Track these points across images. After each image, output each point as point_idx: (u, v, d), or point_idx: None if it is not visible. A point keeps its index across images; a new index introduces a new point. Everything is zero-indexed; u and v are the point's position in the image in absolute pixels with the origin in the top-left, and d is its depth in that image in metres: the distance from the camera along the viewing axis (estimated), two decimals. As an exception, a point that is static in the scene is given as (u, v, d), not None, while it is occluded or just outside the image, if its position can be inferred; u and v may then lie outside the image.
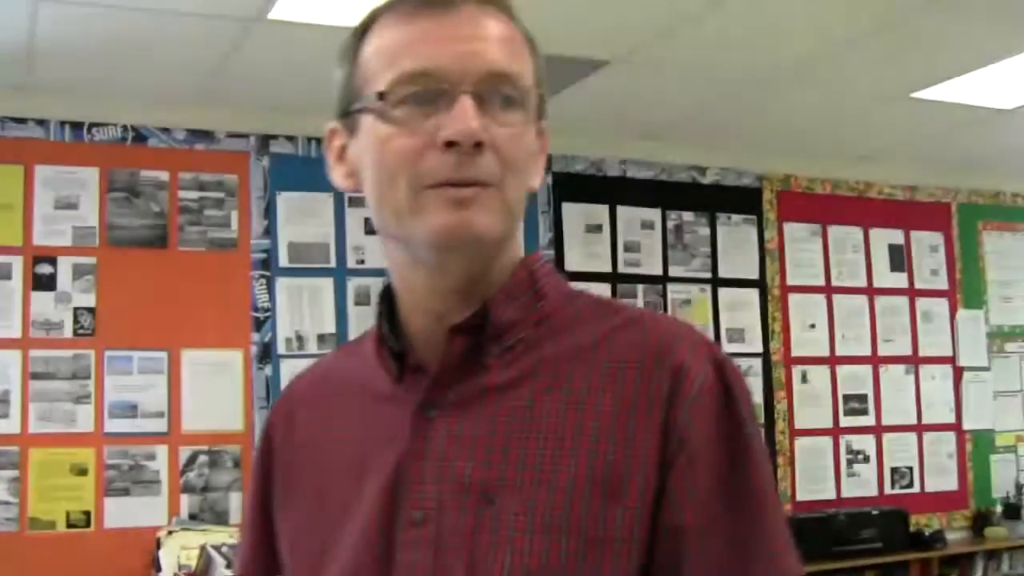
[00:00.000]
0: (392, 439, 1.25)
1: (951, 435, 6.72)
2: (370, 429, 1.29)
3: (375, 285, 5.21)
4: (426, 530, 1.18)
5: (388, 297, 1.31)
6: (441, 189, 1.17)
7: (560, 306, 1.29)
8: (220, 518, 4.86)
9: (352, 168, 1.28)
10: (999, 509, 6.69)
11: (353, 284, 5.20)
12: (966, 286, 6.89)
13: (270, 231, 5.10)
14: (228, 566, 3.28)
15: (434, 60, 1.18)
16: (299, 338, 5.08)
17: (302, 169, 5.13)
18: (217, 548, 4.17)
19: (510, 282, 1.27)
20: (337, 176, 1.31)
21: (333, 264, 5.19)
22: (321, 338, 5.11)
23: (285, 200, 5.12)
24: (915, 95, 5.38)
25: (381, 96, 1.19)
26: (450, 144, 1.16)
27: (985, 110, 5.68)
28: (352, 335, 5.08)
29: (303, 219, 5.15)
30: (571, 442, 1.18)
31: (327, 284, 5.17)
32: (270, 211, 5.09)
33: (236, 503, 4.89)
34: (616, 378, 1.21)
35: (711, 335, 5.96)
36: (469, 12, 1.22)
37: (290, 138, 5.13)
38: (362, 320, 5.16)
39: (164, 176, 4.97)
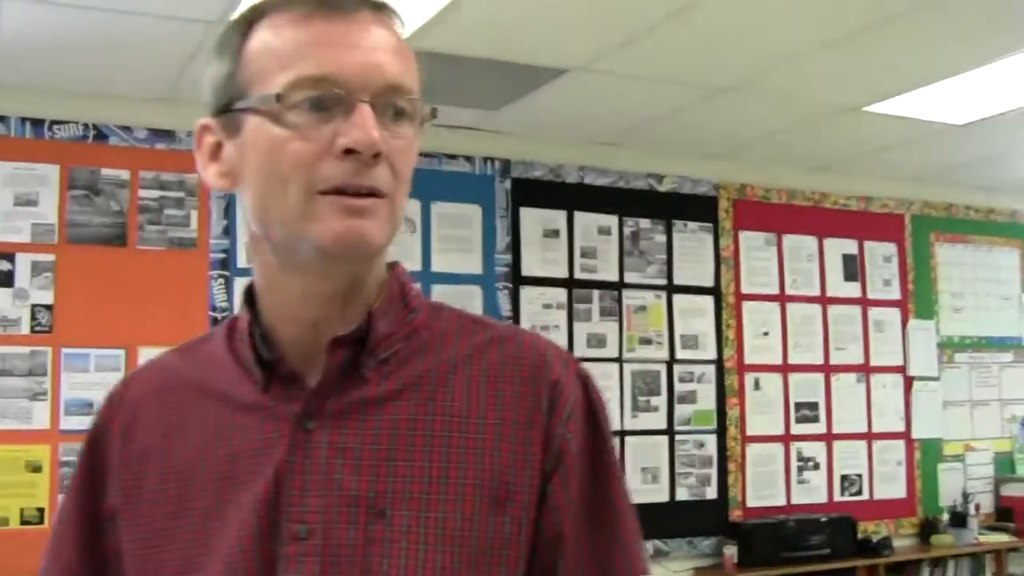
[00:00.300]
0: (264, 451, 1.21)
1: (900, 444, 6.81)
2: (234, 440, 1.23)
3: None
4: (311, 544, 1.16)
5: (251, 303, 1.27)
6: (335, 196, 1.16)
7: (428, 319, 1.30)
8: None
9: (230, 168, 1.24)
10: (946, 517, 6.78)
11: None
12: (918, 296, 6.99)
13: (229, 231, 5.10)
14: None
15: (334, 66, 1.16)
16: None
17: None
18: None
19: (387, 294, 1.27)
20: (210, 175, 1.26)
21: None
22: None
23: (244, 200, 5.13)
24: (869, 109, 5.45)
25: (277, 99, 1.16)
26: (348, 152, 1.15)
27: (937, 125, 5.76)
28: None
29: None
30: (457, 454, 1.20)
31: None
32: (230, 211, 5.09)
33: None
34: (496, 391, 1.24)
35: (666, 341, 6.04)
36: (366, 20, 1.21)
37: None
38: (320, 321, 5.18)
39: (125, 175, 4.97)
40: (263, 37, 1.20)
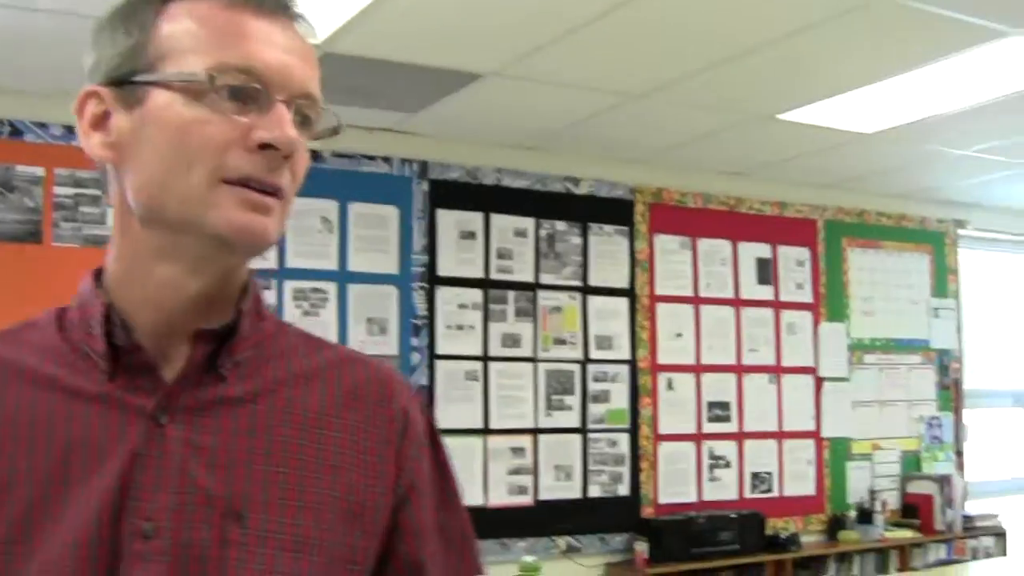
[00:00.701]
0: (107, 443, 1.15)
1: (810, 442, 6.97)
2: (71, 430, 1.16)
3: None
4: (158, 543, 1.12)
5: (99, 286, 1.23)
6: (240, 188, 1.14)
7: (275, 331, 1.30)
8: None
9: (118, 140, 1.19)
10: (853, 514, 6.95)
11: (228, 283, 5.24)
12: (829, 300, 7.15)
13: (145, 229, 5.11)
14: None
15: (259, 62, 1.16)
16: (171, 335, 5.12)
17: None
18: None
19: (252, 298, 1.27)
20: (92, 144, 1.21)
21: (208, 263, 5.22)
22: (194, 336, 5.15)
23: (160, 199, 5.14)
24: (782, 116, 5.57)
25: (210, 80, 1.14)
26: (263, 147, 1.15)
27: (849, 133, 5.90)
28: (225, 334, 5.15)
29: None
30: (314, 464, 1.20)
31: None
32: (141, 209, 5.11)
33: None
34: (350, 408, 1.26)
35: (580, 342, 6.14)
36: (286, 23, 1.21)
37: (169, 137, 5.15)
38: (236, 319, 5.22)
39: (39, 172, 4.96)
40: (181, 16, 1.18)
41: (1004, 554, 7.43)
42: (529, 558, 4.60)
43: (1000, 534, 7.48)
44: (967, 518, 7.33)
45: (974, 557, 7.17)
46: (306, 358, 1.28)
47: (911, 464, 7.43)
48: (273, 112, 1.16)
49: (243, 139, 1.15)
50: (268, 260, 5.33)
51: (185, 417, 1.17)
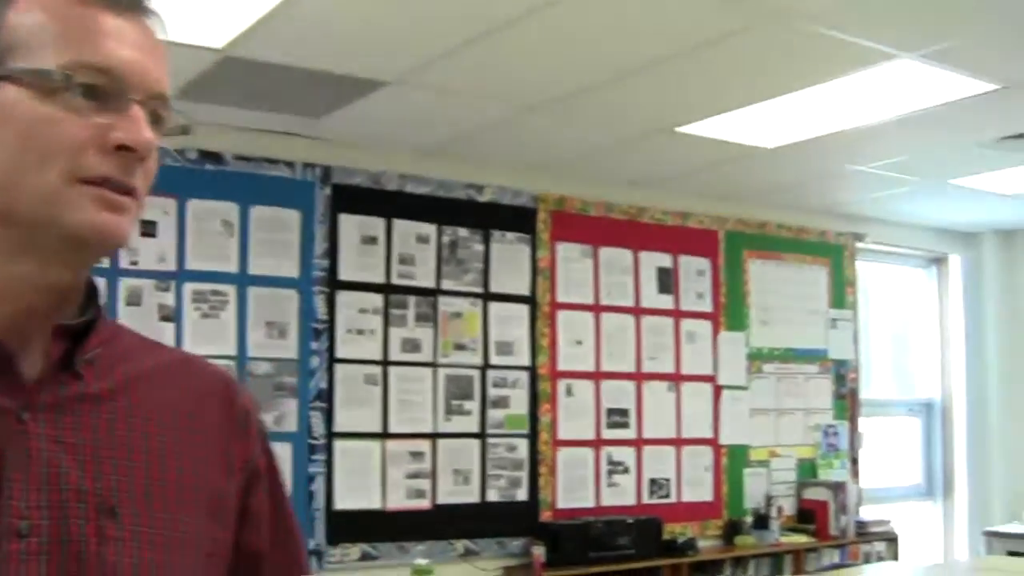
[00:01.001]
0: None
1: (708, 449, 7.09)
2: None
3: (146, 286, 5.28)
4: (35, 541, 1.09)
5: None
6: (98, 188, 1.12)
7: (115, 329, 1.28)
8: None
9: None
10: (750, 519, 7.09)
11: (125, 285, 5.22)
12: (729, 310, 7.28)
13: None
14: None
15: (116, 61, 1.14)
16: (68, 336, 5.09)
17: (79, 169, 5.13)
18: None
19: (99, 296, 1.26)
20: None
21: (106, 264, 5.20)
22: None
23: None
24: (681, 130, 5.67)
25: (66, 77, 1.11)
26: (121, 148, 1.13)
27: (748, 147, 6.01)
28: (123, 335, 5.13)
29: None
30: (174, 460, 1.21)
31: (98, 284, 5.16)
32: None
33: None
34: (201, 405, 1.28)
35: (481, 348, 6.19)
36: (140, 21, 1.19)
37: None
38: (131, 320, 5.15)
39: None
40: (31, 7, 1.13)
41: (896, 558, 7.61)
42: (422, 561, 4.65)
43: (892, 539, 7.67)
44: (861, 524, 7.51)
45: (867, 561, 7.34)
46: (150, 357, 1.29)
47: (807, 471, 7.59)
48: (130, 113, 1.14)
49: (99, 140, 1.12)
50: (167, 262, 5.33)
51: (48, 415, 1.14)
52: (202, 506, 1.22)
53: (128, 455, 1.18)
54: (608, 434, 6.67)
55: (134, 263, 5.26)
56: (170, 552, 1.17)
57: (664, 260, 6.99)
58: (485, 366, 6.21)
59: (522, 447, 6.31)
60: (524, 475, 6.30)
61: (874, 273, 8.47)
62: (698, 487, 7.02)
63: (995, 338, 8.77)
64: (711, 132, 5.71)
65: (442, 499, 6.02)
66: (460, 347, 6.13)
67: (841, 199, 7.46)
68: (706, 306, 7.15)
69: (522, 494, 6.29)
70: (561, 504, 6.44)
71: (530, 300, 6.42)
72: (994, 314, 8.79)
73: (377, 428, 5.85)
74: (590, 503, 6.55)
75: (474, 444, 6.15)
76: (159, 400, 1.24)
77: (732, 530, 7.06)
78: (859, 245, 8.04)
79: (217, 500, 1.25)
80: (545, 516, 6.35)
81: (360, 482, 5.78)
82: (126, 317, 5.20)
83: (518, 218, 6.41)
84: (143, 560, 1.14)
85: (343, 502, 5.72)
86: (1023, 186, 7.13)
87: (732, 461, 7.20)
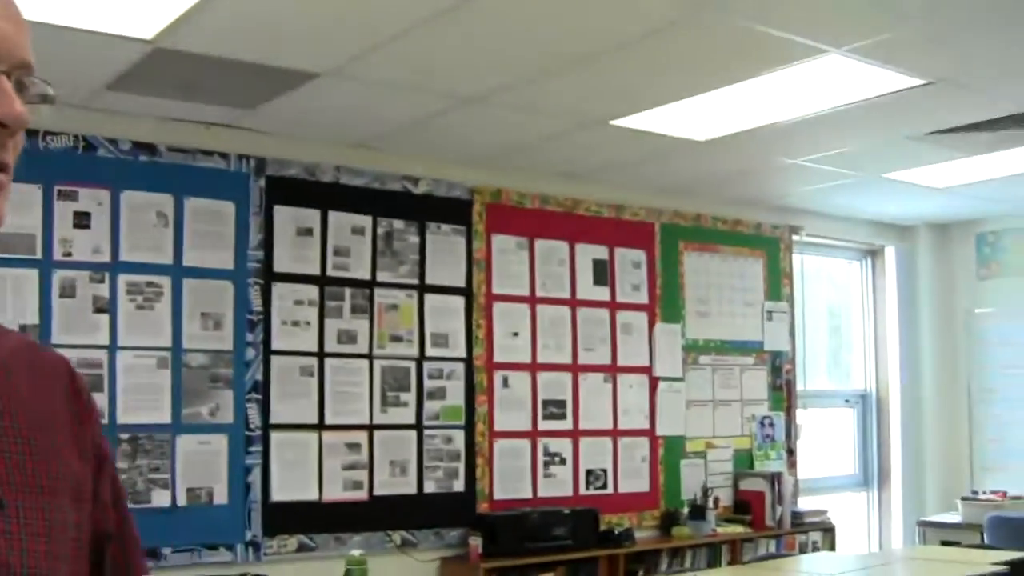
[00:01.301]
0: None
1: (645, 440, 7.15)
2: None
3: (80, 278, 5.25)
4: None
5: None
6: None
7: None
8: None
9: None
10: (686, 510, 7.15)
11: (59, 276, 5.20)
12: (665, 301, 7.34)
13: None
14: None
15: None
16: (0, 328, 5.06)
17: (10, 160, 5.10)
18: None
19: None
20: None
21: (39, 255, 5.19)
22: (23, 328, 5.07)
23: (-9, 190, 5.08)
24: (614, 123, 5.72)
25: None
26: None
27: (680, 140, 6.07)
28: (55, 326, 5.13)
29: (10, 209, 5.08)
30: (42, 447, 1.17)
31: (32, 275, 5.15)
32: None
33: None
34: (51, 390, 1.24)
35: (416, 339, 6.21)
36: None
37: (0, 128, 5.09)
38: (65, 312, 5.19)
39: None
40: None
41: (832, 548, 7.70)
42: (356, 552, 4.66)
43: (829, 529, 7.76)
44: (797, 514, 7.60)
45: (803, 551, 7.42)
46: (2, 342, 1.23)
47: (743, 462, 7.67)
48: None
49: None
50: (102, 253, 5.31)
51: None
52: (68, 492, 1.19)
53: (3, 445, 1.14)
54: (544, 425, 6.71)
55: (68, 255, 5.24)
56: (52, 541, 1.14)
57: (600, 252, 7.04)
58: (421, 357, 6.23)
59: (458, 438, 6.33)
60: (461, 466, 6.33)
61: (810, 265, 8.57)
62: (635, 478, 7.08)
63: (929, 330, 8.91)
64: (645, 125, 5.76)
65: (379, 490, 6.03)
66: (396, 339, 6.15)
67: (776, 192, 7.55)
68: (642, 298, 7.21)
69: (459, 485, 6.31)
70: (498, 495, 6.47)
71: (466, 292, 6.45)
72: (928, 306, 8.93)
73: (313, 420, 5.86)
74: (527, 494, 6.60)
75: (411, 435, 6.17)
76: (17, 388, 1.19)
77: (669, 521, 7.12)
78: (795, 238, 8.14)
79: (77, 485, 1.22)
80: (482, 507, 6.38)
81: (297, 474, 5.79)
82: (60, 309, 5.19)
83: (453, 210, 6.44)
84: (31, 551, 1.11)
85: (280, 494, 5.72)
86: (955, 180, 7.24)
87: (669, 452, 7.27)
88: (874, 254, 8.97)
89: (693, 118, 5.66)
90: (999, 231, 8.72)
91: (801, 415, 8.12)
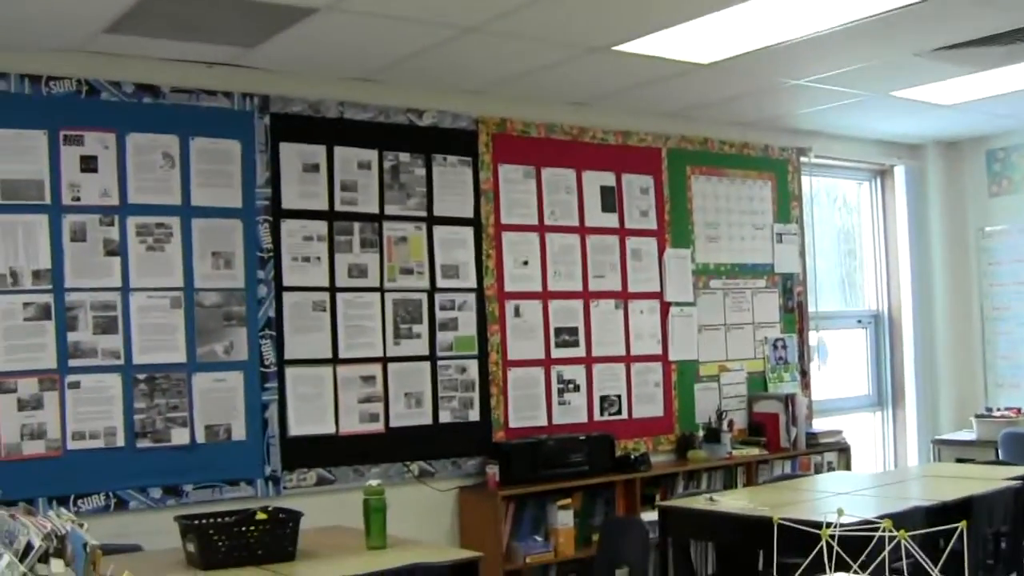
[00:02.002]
0: None
1: (658, 366, 7.19)
2: None
3: (90, 221, 5.28)
4: None
5: None
6: None
7: None
8: (-66, 452, 4.88)
9: None
10: (701, 434, 7.20)
11: (68, 221, 5.23)
12: (674, 226, 7.35)
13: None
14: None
15: None
16: (13, 274, 5.10)
17: (15, 106, 5.10)
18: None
19: None
20: None
21: (48, 201, 5.21)
22: (36, 274, 5.13)
23: (-3, 137, 5.11)
24: (618, 48, 5.69)
25: None
26: None
27: (684, 64, 6.05)
28: (68, 270, 5.18)
29: (16, 156, 5.12)
30: None
31: (42, 220, 5.18)
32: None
33: (-51, 437, 4.93)
34: None
35: (427, 271, 6.24)
36: None
37: (2, 75, 5.07)
38: (77, 256, 5.23)
39: None
40: None
41: (848, 468, 7.76)
42: (374, 482, 4.70)
43: (844, 449, 7.81)
44: (811, 435, 7.64)
45: (818, 472, 7.47)
46: None
47: (757, 385, 7.71)
48: None
49: None
50: (110, 196, 5.33)
51: None
52: None
53: None
54: (557, 353, 6.75)
55: (76, 199, 5.26)
56: None
57: (607, 179, 7.04)
58: (432, 289, 6.26)
59: (472, 368, 6.38)
60: (475, 396, 6.38)
61: (819, 186, 8.55)
62: (649, 403, 7.13)
63: (940, 248, 8.91)
64: (649, 49, 5.73)
65: (395, 422, 6.09)
66: (407, 271, 6.17)
67: (783, 113, 7.52)
68: (651, 223, 7.22)
69: (474, 415, 6.37)
70: (513, 423, 6.52)
71: (474, 222, 6.45)
72: (938, 224, 8.92)
73: (327, 354, 5.90)
74: (542, 422, 6.65)
75: (425, 367, 6.21)
76: None
77: (684, 444, 7.18)
78: (803, 159, 8.11)
79: None
80: (498, 436, 6.44)
81: (313, 408, 5.84)
82: (71, 254, 5.23)
83: (459, 141, 6.44)
84: None
85: (297, 428, 5.78)
86: (963, 96, 7.21)
87: (682, 377, 7.31)
88: (883, 174, 8.94)
89: (697, 41, 5.63)
90: (1008, 147, 8.68)
91: (823, 337, 8.14)
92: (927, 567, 2.87)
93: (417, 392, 6.17)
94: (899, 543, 2.54)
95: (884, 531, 2.85)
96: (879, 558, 2.80)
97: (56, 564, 2.65)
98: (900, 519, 2.82)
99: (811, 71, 6.38)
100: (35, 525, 2.75)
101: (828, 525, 2.66)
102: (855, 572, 2.98)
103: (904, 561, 3.01)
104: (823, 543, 2.83)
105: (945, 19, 5.42)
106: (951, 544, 2.49)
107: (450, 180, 6.37)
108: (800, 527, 2.82)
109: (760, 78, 6.50)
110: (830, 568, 2.92)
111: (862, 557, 2.74)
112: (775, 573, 3.20)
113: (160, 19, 4.92)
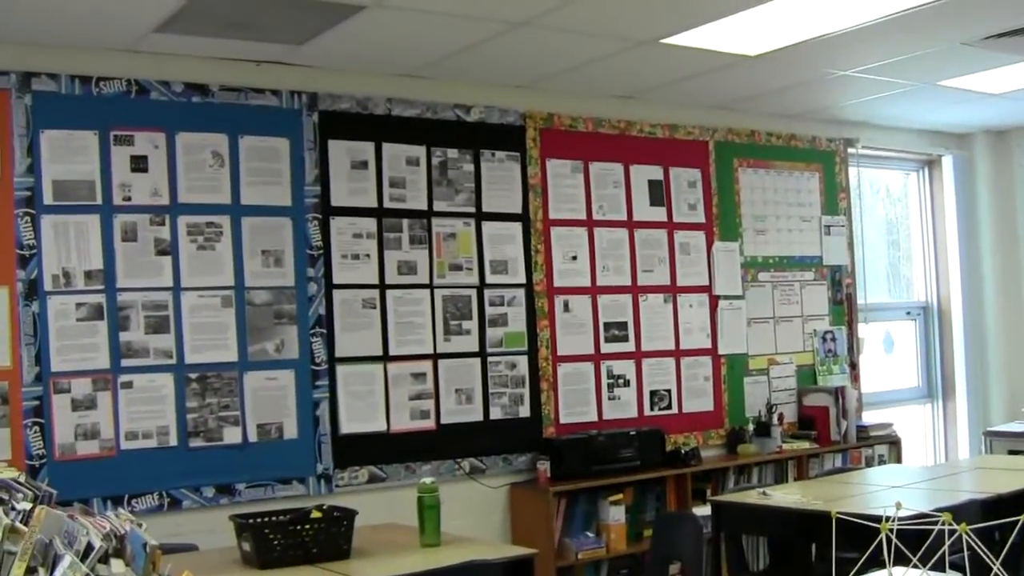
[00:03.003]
0: None
1: (707, 360, 7.15)
2: None
3: (141, 221, 5.30)
4: None
5: None
6: None
7: None
8: (-12, 453, 4.91)
9: None
10: (751, 428, 7.16)
11: (120, 221, 5.25)
12: (722, 220, 7.30)
13: (34, 169, 5.09)
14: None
15: None
16: (66, 274, 5.13)
17: (66, 107, 5.14)
18: (-19, 480, 4.25)
19: None
20: None
21: (99, 201, 5.23)
22: (88, 274, 5.16)
23: (49, 138, 5.11)
24: (665, 41, 5.66)
25: None
26: None
27: (731, 56, 6.01)
28: (119, 270, 5.20)
29: (68, 156, 5.15)
30: None
31: (94, 221, 5.20)
32: (33, 149, 5.09)
33: (4, 438, 4.94)
34: None
35: (476, 267, 6.23)
36: None
37: (53, 76, 5.12)
38: (128, 256, 5.25)
39: None
40: None
41: (898, 461, 7.69)
42: (428, 479, 4.69)
43: (894, 442, 7.74)
44: (862, 428, 7.58)
45: (869, 465, 7.41)
46: None
47: (806, 378, 7.66)
48: None
49: None
50: (161, 196, 5.35)
51: None
52: None
53: None
54: (607, 348, 6.72)
55: (127, 199, 5.29)
56: None
57: (655, 172, 7.00)
58: (482, 285, 6.25)
59: (522, 364, 6.36)
60: (526, 392, 6.36)
61: (863, 178, 8.47)
62: (699, 397, 7.09)
63: (989, 238, 8.81)
64: (696, 42, 5.70)
65: (446, 419, 6.09)
66: (456, 267, 6.16)
67: (830, 104, 7.45)
68: (699, 217, 7.18)
69: (524, 411, 6.35)
70: (564, 419, 6.51)
71: (523, 218, 6.44)
72: (987, 214, 8.82)
73: (378, 351, 5.90)
74: (592, 417, 6.63)
75: (475, 363, 6.20)
76: None
77: (734, 439, 7.13)
78: (851, 150, 8.05)
79: None
80: (548, 432, 6.42)
81: (364, 405, 5.85)
82: (123, 253, 5.25)
83: (507, 136, 6.42)
84: None
85: (349, 426, 5.79)
86: (1012, 85, 7.12)
87: (731, 371, 7.26)
88: (931, 164, 8.86)
89: (744, 32, 5.60)
90: (1058, 135, 8.58)
91: (875, 329, 8.07)
92: (988, 560, 2.83)
93: (467, 388, 6.16)
94: (958, 537, 2.51)
95: (944, 524, 2.80)
96: (939, 552, 2.76)
97: (116, 564, 2.64)
98: (956, 512, 2.77)
99: (858, 61, 6.32)
100: (94, 525, 2.75)
101: (887, 519, 2.62)
102: (914, 566, 2.94)
103: (961, 555, 2.97)
104: (882, 537, 2.79)
105: (994, 7, 5.36)
106: (1012, 537, 2.45)
107: (498, 175, 6.36)
108: (859, 521, 2.79)
109: (807, 69, 6.45)
110: (889, 562, 2.88)
111: (921, 551, 2.70)
112: (833, 567, 3.17)
113: (208, 18, 4.93)
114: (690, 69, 6.27)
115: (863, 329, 8.06)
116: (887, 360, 8.20)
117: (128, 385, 5.23)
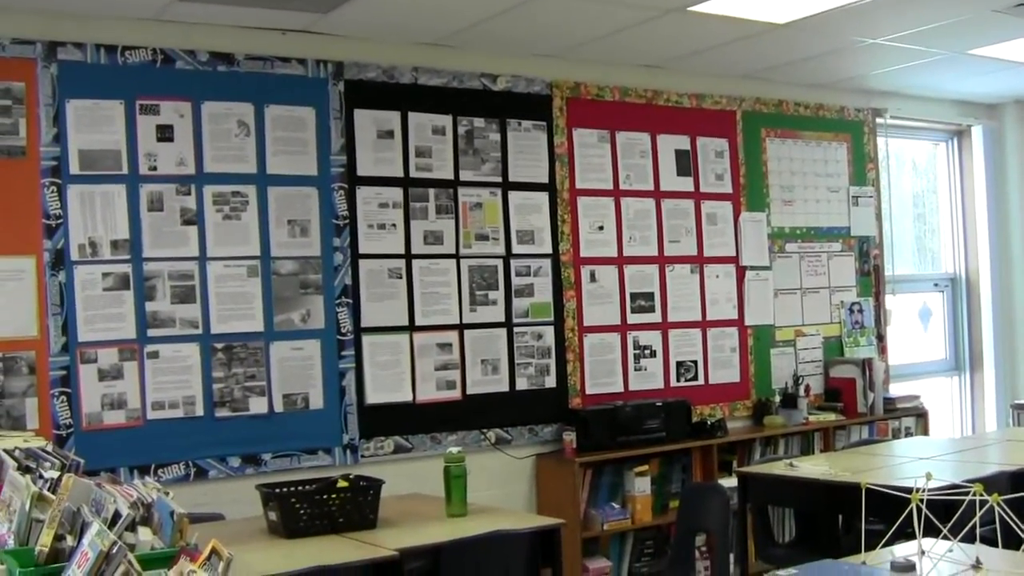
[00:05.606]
0: None
1: (734, 331, 7.12)
2: None
3: (167, 191, 5.30)
4: None
5: None
6: None
7: None
8: (17, 423, 4.89)
9: None
10: (778, 399, 7.13)
11: (146, 190, 5.24)
12: (749, 190, 7.25)
13: (60, 138, 5.08)
14: (18, 468, 3.40)
15: None
16: (92, 244, 5.13)
17: (92, 76, 5.13)
18: (10, 452, 4.26)
19: None
20: None
21: (125, 171, 5.23)
22: (115, 244, 5.16)
23: (75, 107, 5.10)
24: (694, 8, 5.60)
25: None
26: None
27: (760, 24, 5.95)
28: (145, 240, 5.20)
29: (94, 126, 5.15)
30: None
31: (120, 190, 5.20)
32: (59, 119, 5.07)
33: (32, 408, 4.96)
34: None
35: (502, 237, 6.20)
36: None
37: (79, 45, 5.11)
38: (155, 225, 5.25)
39: (-56, 80, 4.94)
40: None
41: (925, 433, 7.66)
42: (455, 449, 4.69)
43: (921, 414, 7.70)
44: (888, 400, 7.54)
45: (895, 437, 7.37)
46: None
47: (833, 350, 7.62)
48: None
49: None
50: (186, 165, 5.34)
51: None
52: None
53: None
54: (633, 319, 6.69)
55: (153, 168, 5.28)
56: None
57: (682, 142, 6.96)
58: (508, 255, 6.22)
59: (548, 335, 6.34)
60: (552, 362, 6.34)
61: (890, 149, 8.39)
62: (725, 368, 7.06)
63: (1018, 209, 8.72)
64: (724, 9, 5.65)
65: (472, 389, 6.07)
66: (482, 237, 6.14)
67: (859, 74, 7.38)
68: (726, 187, 7.13)
69: (551, 381, 6.33)
70: (590, 390, 6.49)
71: (549, 187, 6.40)
72: (1017, 185, 8.73)
73: (404, 322, 5.89)
74: (619, 388, 6.61)
75: (501, 333, 6.19)
76: None
77: (761, 410, 7.11)
78: (879, 120, 7.97)
79: None
80: (574, 402, 6.41)
81: (390, 375, 5.84)
82: (149, 223, 5.25)
83: (533, 106, 6.38)
84: None
85: (375, 396, 5.78)
86: (1043, 54, 7.04)
87: (758, 342, 7.23)
88: (960, 134, 8.77)
89: (773, 0, 5.53)
90: (1090, 105, 8.48)
91: (912, 302, 8.02)
92: (1019, 531, 2.81)
93: (493, 359, 6.15)
94: (987, 508, 2.49)
95: (975, 495, 2.78)
96: (971, 523, 2.74)
97: (144, 532, 2.65)
98: (984, 484, 2.75)
99: (887, 30, 6.25)
100: (122, 494, 2.76)
101: (918, 490, 2.60)
102: (944, 537, 2.92)
103: (992, 525, 2.95)
104: (912, 507, 2.77)
105: (1029, -27, 5.29)
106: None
107: (524, 145, 6.32)
108: (890, 491, 2.76)
109: (836, 37, 6.38)
110: (919, 532, 2.85)
111: (951, 522, 2.68)
112: (862, 538, 3.15)
113: (236, -14, 4.91)
114: (718, 38, 6.22)
115: (890, 301, 8.00)
116: (924, 334, 8.13)
117: (155, 355, 5.24)
